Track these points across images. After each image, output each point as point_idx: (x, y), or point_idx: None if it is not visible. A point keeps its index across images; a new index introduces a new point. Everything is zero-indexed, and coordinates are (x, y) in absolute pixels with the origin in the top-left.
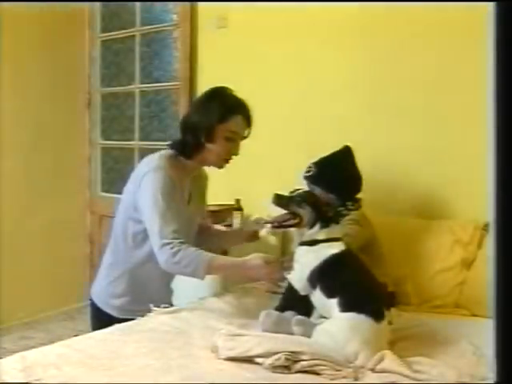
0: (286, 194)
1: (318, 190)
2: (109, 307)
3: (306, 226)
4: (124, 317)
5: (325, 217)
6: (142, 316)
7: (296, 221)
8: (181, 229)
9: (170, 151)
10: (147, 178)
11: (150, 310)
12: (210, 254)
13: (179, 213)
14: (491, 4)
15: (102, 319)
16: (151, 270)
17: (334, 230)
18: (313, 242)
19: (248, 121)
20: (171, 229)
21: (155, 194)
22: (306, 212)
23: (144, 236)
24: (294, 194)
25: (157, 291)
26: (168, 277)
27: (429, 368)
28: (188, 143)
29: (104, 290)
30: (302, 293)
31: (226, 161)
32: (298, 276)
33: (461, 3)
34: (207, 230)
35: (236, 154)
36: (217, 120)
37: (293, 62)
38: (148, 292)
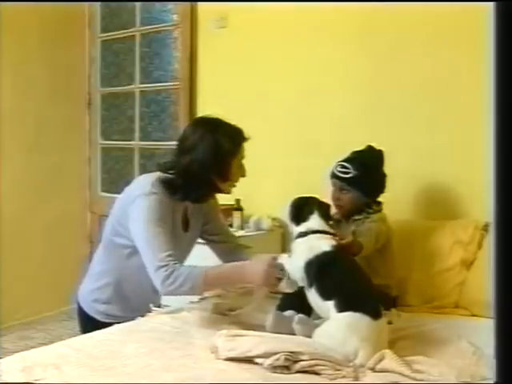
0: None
1: (353, 192)
2: (93, 311)
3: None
4: (108, 321)
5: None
6: (127, 321)
7: None
8: (175, 253)
9: (164, 175)
10: (139, 201)
11: (133, 318)
12: (204, 266)
13: (173, 237)
14: (491, 4)
15: (87, 322)
16: (139, 281)
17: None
18: (302, 234)
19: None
20: (165, 253)
21: (147, 219)
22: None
23: (132, 250)
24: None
25: (143, 301)
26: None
27: (429, 368)
28: (200, 190)
29: (89, 294)
30: (301, 283)
31: (235, 185)
32: (295, 266)
33: (461, 3)
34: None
35: (244, 176)
36: (230, 155)
37: (293, 62)
38: (134, 302)
